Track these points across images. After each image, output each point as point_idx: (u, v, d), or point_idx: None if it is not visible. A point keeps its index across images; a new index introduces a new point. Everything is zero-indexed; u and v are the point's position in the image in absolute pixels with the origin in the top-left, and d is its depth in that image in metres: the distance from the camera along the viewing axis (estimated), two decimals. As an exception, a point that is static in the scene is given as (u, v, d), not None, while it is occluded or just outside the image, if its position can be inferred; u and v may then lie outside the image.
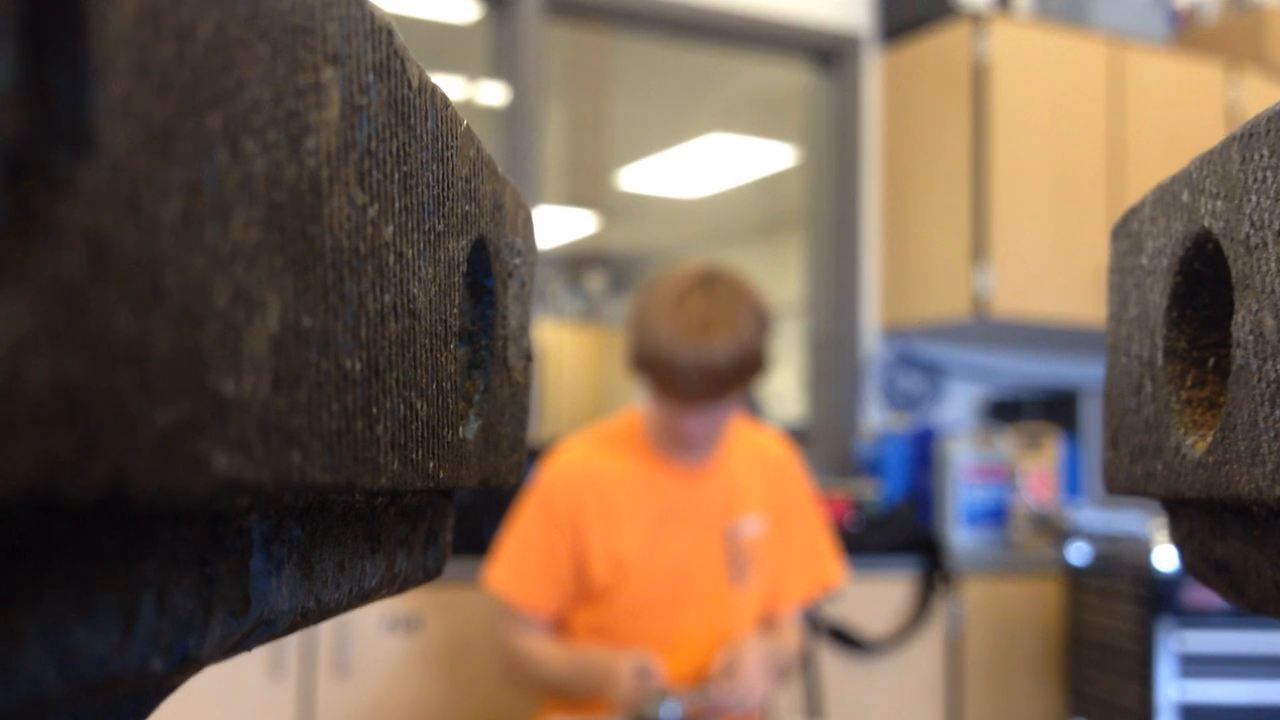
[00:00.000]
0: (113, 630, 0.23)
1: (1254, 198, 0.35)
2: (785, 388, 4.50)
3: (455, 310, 0.38)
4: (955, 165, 3.55)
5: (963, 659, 3.00)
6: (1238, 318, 0.35)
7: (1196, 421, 0.40)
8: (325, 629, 2.42)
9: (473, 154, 0.39)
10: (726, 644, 1.93)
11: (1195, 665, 2.63)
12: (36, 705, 0.21)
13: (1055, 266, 3.54)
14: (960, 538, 3.33)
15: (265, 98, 0.25)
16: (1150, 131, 3.68)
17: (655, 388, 1.88)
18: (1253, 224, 0.35)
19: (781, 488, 2.07)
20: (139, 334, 0.21)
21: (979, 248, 3.46)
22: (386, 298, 0.32)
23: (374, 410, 0.31)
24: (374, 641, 2.46)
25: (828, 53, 3.82)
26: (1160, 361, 0.42)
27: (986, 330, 3.69)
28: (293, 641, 2.39)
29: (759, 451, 2.08)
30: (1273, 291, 0.34)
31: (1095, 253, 3.59)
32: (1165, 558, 2.70)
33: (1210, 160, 0.38)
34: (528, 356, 0.47)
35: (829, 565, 2.12)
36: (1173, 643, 2.63)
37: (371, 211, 0.30)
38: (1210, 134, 3.76)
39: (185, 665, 0.26)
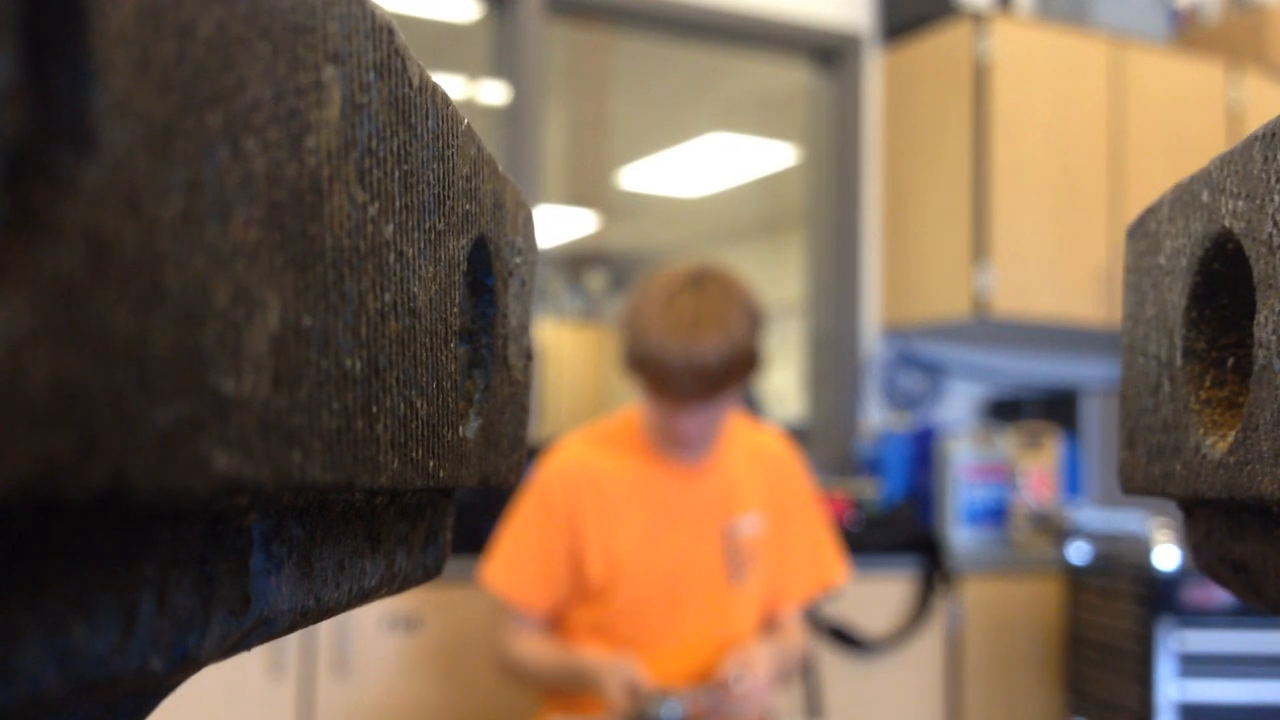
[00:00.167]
0: (112, 630, 0.23)
1: (1276, 198, 0.35)
2: (785, 387, 4.50)
3: (455, 309, 0.38)
4: (956, 165, 3.55)
5: (963, 658, 3.00)
6: (1260, 318, 0.35)
7: (1216, 422, 0.40)
8: (325, 628, 2.42)
9: (473, 153, 0.39)
10: (735, 649, 1.92)
11: (1195, 665, 2.63)
12: (36, 705, 0.21)
13: (1056, 266, 3.54)
14: (960, 537, 3.33)
15: (266, 96, 0.25)
16: (1151, 131, 3.68)
17: (648, 388, 1.88)
18: (1275, 224, 0.35)
19: (781, 486, 2.07)
20: (139, 333, 0.21)
21: (979, 247, 3.46)
22: (387, 296, 0.31)
23: (374, 409, 0.31)
24: (373, 640, 2.46)
25: (828, 52, 3.82)
26: (1179, 361, 0.42)
27: (987, 330, 3.69)
28: (292, 640, 2.40)
29: (758, 449, 2.08)
30: None
31: (1096, 252, 3.59)
32: (1165, 557, 2.70)
33: (1231, 160, 0.38)
34: (528, 355, 0.46)
35: (831, 563, 2.12)
36: (1172, 642, 2.63)
37: (372, 210, 0.30)
38: (1211, 133, 3.76)
39: (185, 664, 0.26)
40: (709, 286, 1.86)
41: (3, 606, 0.20)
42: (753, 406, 3.05)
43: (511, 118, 3.40)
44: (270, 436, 0.25)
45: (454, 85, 4.14)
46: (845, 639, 2.85)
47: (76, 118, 0.19)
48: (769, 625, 2.08)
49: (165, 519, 0.25)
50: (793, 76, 4.04)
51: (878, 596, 2.91)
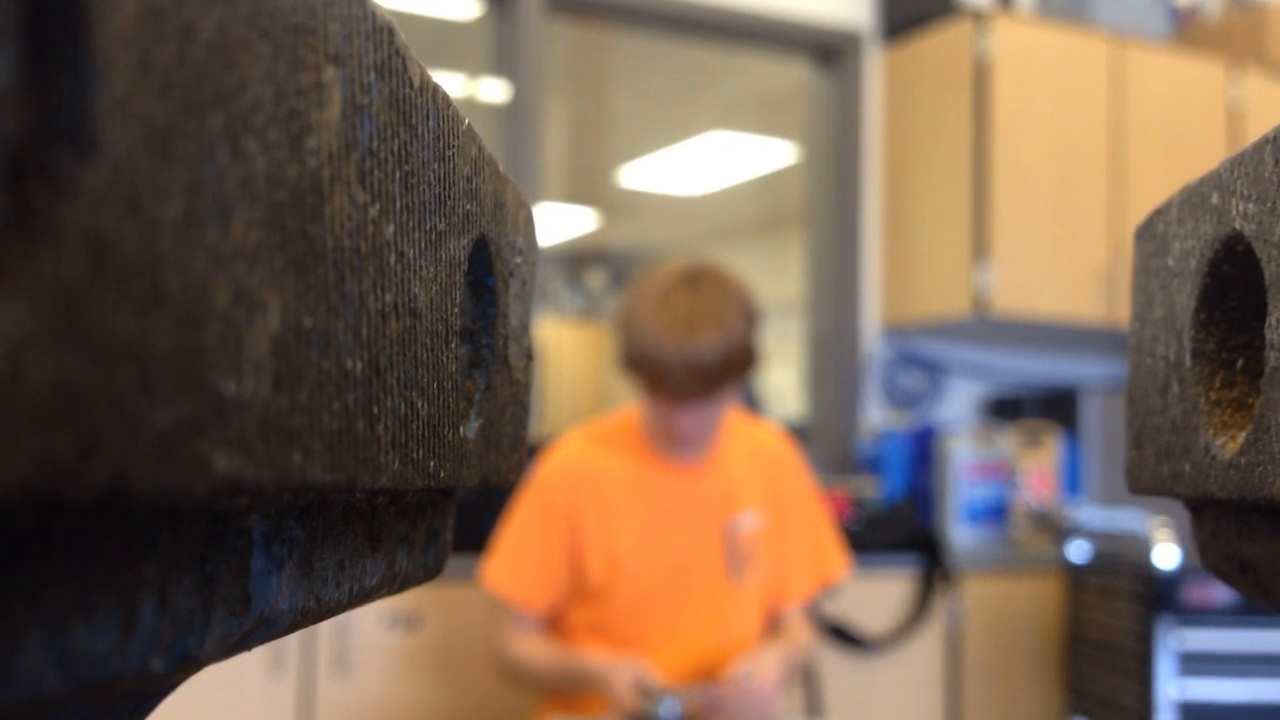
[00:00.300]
0: (113, 630, 0.23)
1: None
2: (786, 385, 4.50)
3: (456, 309, 0.38)
4: (956, 163, 3.55)
5: (962, 657, 3.00)
6: (1271, 320, 0.35)
7: (1226, 422, 0.40)
8: (325, 627, 2.43)
9: (474, 152, 0.39)
10: (746, 653, 1.92)
11: (1195, 663, 2.63)
12: (37, 705, 0.21)
13: (1056, 265, 3.54)
14: (960, 536, 3.33)
15: (266, 97, 0.25)
16: (1151, 130, 3.68)
17: (644, 386, 1.88)
18: None
19: (780, 482, 2.07)
20: (139, 334, 0.21)
21: (980, 246, 3.46)
22: (388, 297, 0.31)
23: (375, 409, 0.31)
24: (374, 639, 2.46)
25: (829, 50, 3.82)
26: (1188, 363, 0.42)
27: (987, 328, 3.69)
28: (293, 640, 2.40)
29: (757, 446, 2.07)
30: None
31: (1096, 251, 3.59)
32: (1165, 556, 2.70)
33: (1241, 163, 0.38)
34: (528, 355, 0.46)
35: (832, 559, 2.11)
36: (1172, 641, 2.63)
37: (373, 211, 0.30)
38: (1211, 133, 3.76)
39: (185, 664, 0.26)
40: (704, 284, 1.85)
41: (4, 607, 0.20)
42: (752, 404, 3.05)
43: (512, 116, 3.40)
44: (271, 437, 0.25)
45: (454, 83, 4.14)
46: (845, 637, 2.85)
47: (77, 119, 0.19)
48: (773, 623, 2.07)
49: (166, 520, 0.25)
50: (793, 75, 4.04)
51: (877, 595, 2.91)
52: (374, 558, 0.37)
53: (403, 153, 0.32)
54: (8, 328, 0.18)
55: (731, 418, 2.06)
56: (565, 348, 5.71)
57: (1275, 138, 0.36)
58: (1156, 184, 3.65)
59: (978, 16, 3.51)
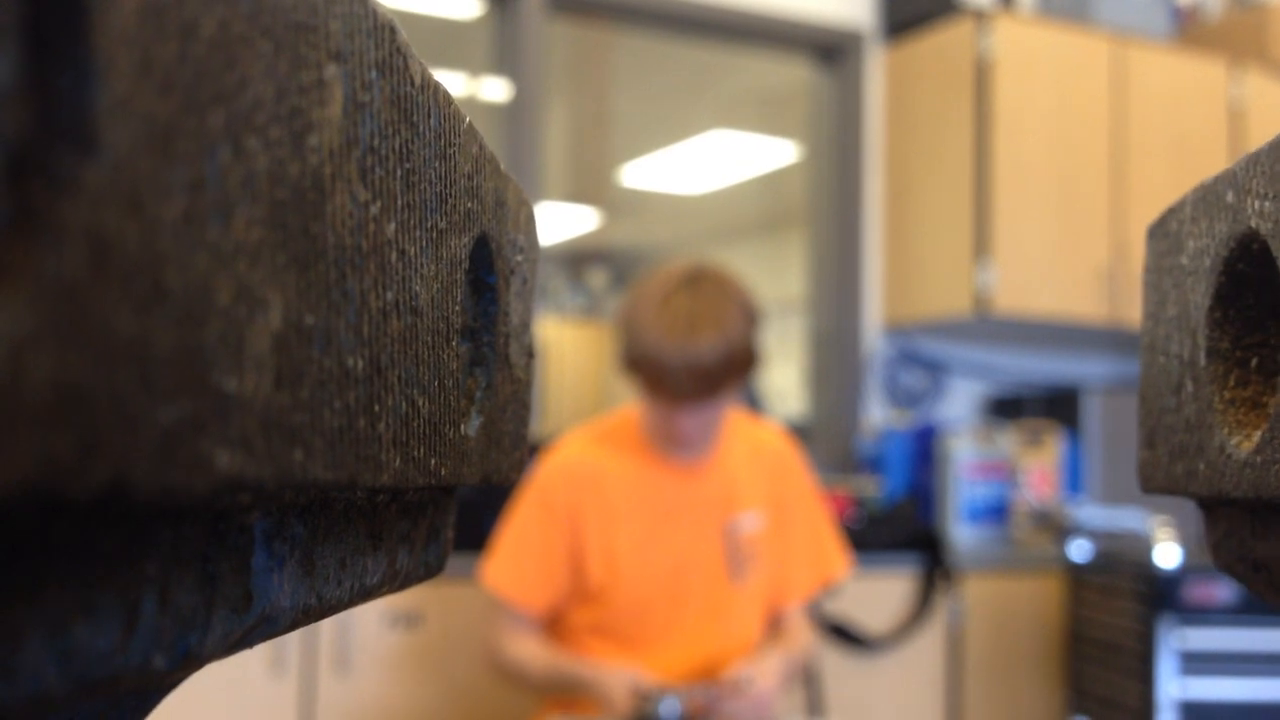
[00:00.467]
0: (114, 628, 0.23)
1: None
2: (787, 384, 4.50)
3: (457, 307, 0.38)
4: (957, 162, 3.54)
5: (963, 656, 3.00)
6: None
7: (1240, 421, 0.40)
8: (326, 625, 2.43)
9: (475, 151, 0.39)
10: (747, 656, 1.92)
11: (1196, 662, 2.63)
12: (38, 703, 0.21)
13: (1057, 264, 3.54)
14: (961, 534, 3.33)
15: (268, 95, 0.25)
16: (1153, 129, 3.68)
17: (645, 388, 1.88)
18: None
19: (781, 481, 2.06)
20: (141, 333, 0.21)
21: (981, 245, 3.46)
22: (389, 295, 0.32)
23: (376, 407, 0.31)
24: (375, 637, 2.46)
25: (830, 49, 3.82)
26: (1202, 361, 0.42)
27: (988, 327, 3.69)
28: (294, 638, 2.40)
29: (758, 445, 2.07)
30: None
31: (1097, 250, 3.59)
32: (1166, 555, 2.70)
33: (1258, 161, 0.38)
34: (530, 353, 0.46)
35: (833, 558, 2.11)
36: (1174, 640, 2.63)
37: (374, 209, 0.30)
38: (1213, 132, 3.76)
39: (187, 662, 0.26)
40: (704, 285, 1.85)
41: (5, 606, 0.21)
42: (754, 404, 3.05)
43: (513, 115, 3.40)
44: (272, 435, 0.25)
45: (455, 82, 4.14)
46: (846, 636, 2.85)
47: (78, 118, 0.19)
48: (774, 623, 2.07)
49: (167, 518, 0.25)
50: (794, 74, 4.04)
51: (879, 594, 2.91)
52: (375, 556, 0.37)
53: (404, 151, 0.32)
54: (9, 326, 0.18)
55: (732, 417, 2.06)
56: (566, 346, 5.71)
57: None
58: (1158, 183, 3.65)
59: (979, 16, 3.51)
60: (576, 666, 1.87)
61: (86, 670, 0.22)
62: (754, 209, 6.24)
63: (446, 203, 0.36)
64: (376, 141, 0.30)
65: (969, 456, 3.37)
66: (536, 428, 3.41)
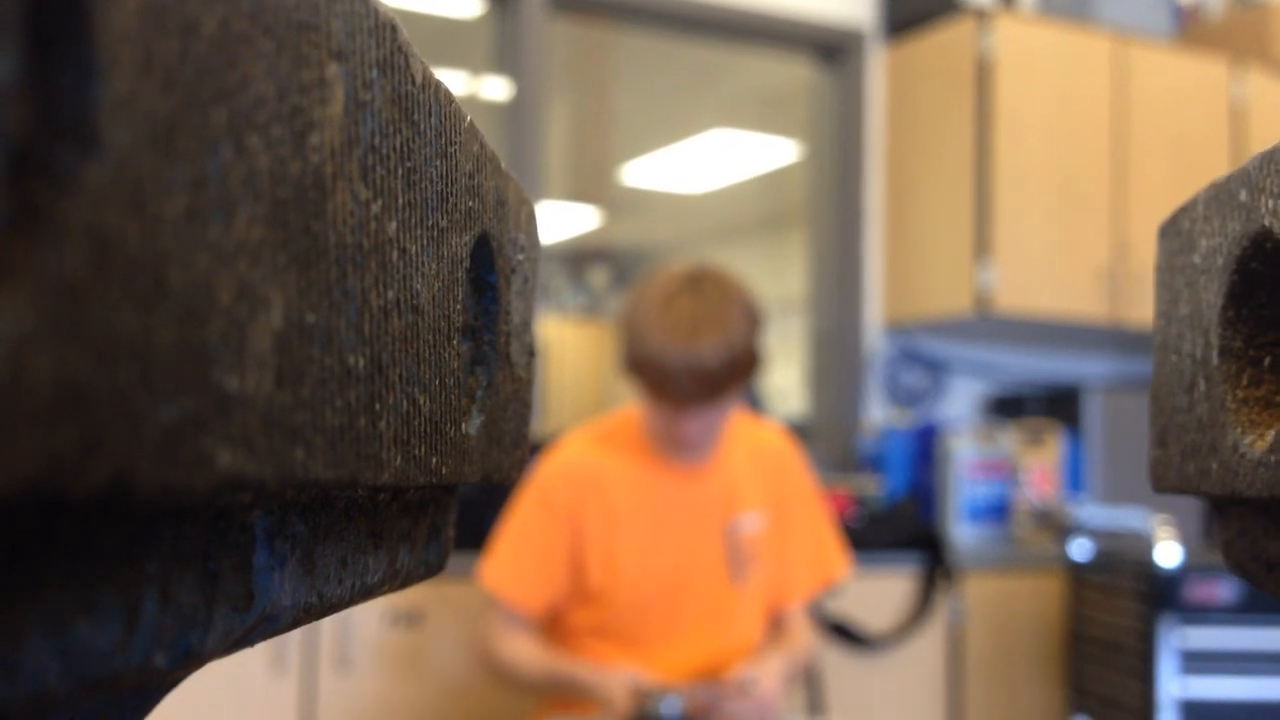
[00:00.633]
0: (115, 626, 0.23)
1: None
2: (788, 383, 4.50)
3: (458, 306, 0.38)
4: (958, 161, 3.54)
5: (964, 655, 3.00)
6: None
7: (1254, 420, 0.40)
8: (327, 624, 2.43)
9: (476, 149, 0.39)
10: (749, 657, 1.92)
11: (1197, 661, 2.63)
12: (40, 701, 0.21)
13: (1058, 263, 3.54)
14: (962, 534, 3.33)
15: (269, 94, 0.25)
16: (1154, 128, 3.68)
17: (648, 391, 1.87)
18: None
19: (782, 481, 2.06)
20: (142, 331, 0.21)
21: (982, 244, 3.46)
22: (390, 294, 0.32)
23: (377, 406, 0.31)
24: (376, 636, 2.46)
25: (831, 48, 3.82)
26: (1215, 360, 0.41)
27: (989, 326, 3.69)
28: (295, 637, 2.40)
29: (758, 445, 2.07)
30: None
31: (1098, 249, 3.58)
32: (1167, 554, 2.70)
33: (1272, 160, 0.38)
34: (530, 352, 0.46)
35: (833, 558, 2.11)
36: (1174, 639, 2.63)
37: (375, 207, 0.30)
38: (1214, 131, 3.76)
39: (188, 661, 0.26)
40: (706, 287, 1.84)
41: (6, 604, 0.21)
42: (754, 403, 3.05)
43: (514, 114, 3.40)
44: (273, 433, 0.25)
45: (456, 81, 4.14)
46: (847, 635, 2.85)
47: (80, 116, 0.19)
48: (775, 624, 2.07)
49: (168, 516, 0.25)
50: (795, 73, 4.04)
51: (879, 593, 2.91)
52: (376, 554, 0.37)
53: (405, 149, 0.32)
54: (10, 325, 0.18)
55: (733, 417, 2.05)
56: (568, 346, 5.71)
57: None
58: (1159, 182, 3.65)
59: (980, 15, 3.51)
60: (575, 668, 1.87)
61: (87, 668, 0.22)
62: (755, 208, 6.24)
63: (448, 201, 0.36)
64: (378, 140, 0.30)
65: (970, 455, 3.37)
66: (538, 427, 3.41)
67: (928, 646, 2.95)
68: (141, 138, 0.21)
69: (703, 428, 1.90)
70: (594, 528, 1.95)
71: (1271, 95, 3.84)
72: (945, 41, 3.61)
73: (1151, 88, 3.69)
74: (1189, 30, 4.12)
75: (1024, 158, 3.50)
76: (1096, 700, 2.86)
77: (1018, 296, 3.47)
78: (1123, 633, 2.76)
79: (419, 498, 0.40)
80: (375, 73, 0.30)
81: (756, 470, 2.04)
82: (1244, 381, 0.41)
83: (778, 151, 5.27)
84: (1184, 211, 0.45)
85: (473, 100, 4.03)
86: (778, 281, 5.06)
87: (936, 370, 3.88)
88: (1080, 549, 2.97)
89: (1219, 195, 0.42)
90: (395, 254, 0.32)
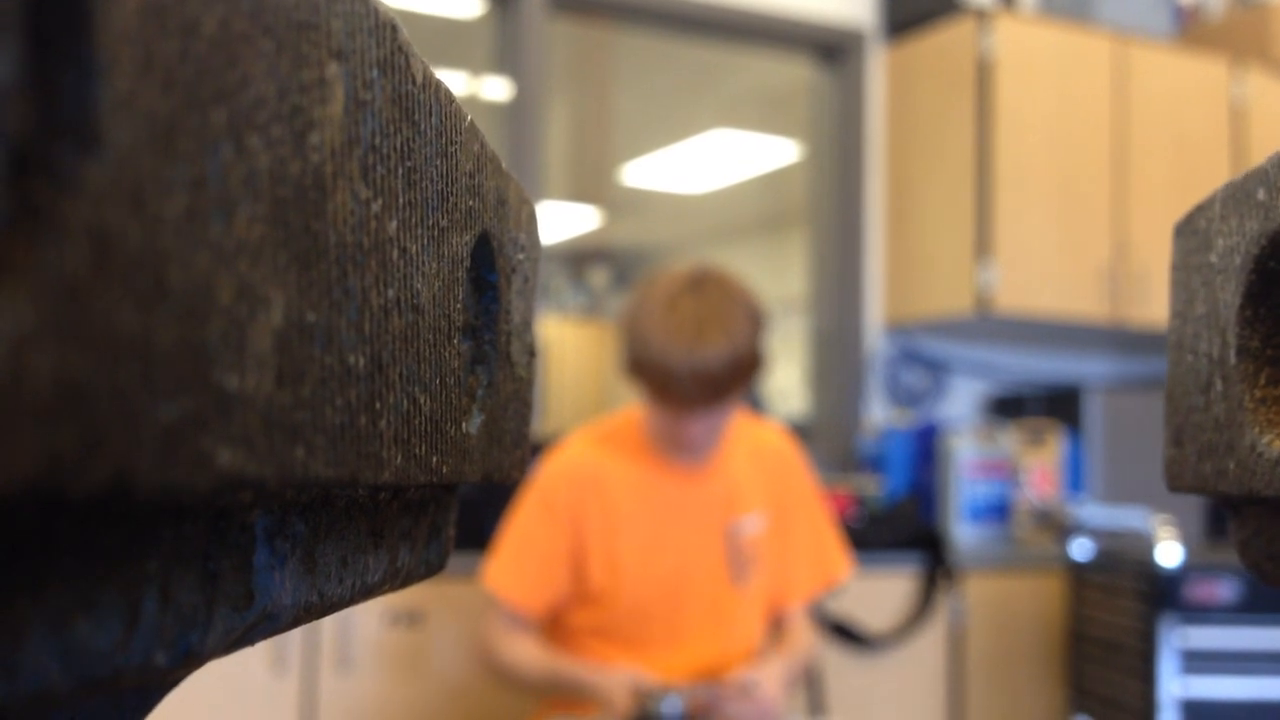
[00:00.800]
0: (116, 625, 0.23)
1: None
2: (788, 383, 4.50)
3: (459, 305, 0.38)
4: (959, 161, 3.54)
5: (965, 655, 3.00)
6: None
7: (1272, 420, 0.40)
8: (328, 623, 2.43)
9: (476, 149, 0.39)
10: (750, 660, 1.92)
11: (1198, 661, 2.63)
12: (40, 701, 0.22)
13: (1059, 263, 3.54)
14: (963, 533, 3.33)
15: (269, 93, 0.25)
16: (1154, 128, 3.68)
17: (651, 393, 1.86)
18: None
19: (783, 482, 2.06)
20: (143, 330, 0.21)
21: (982, 244, 3.46)
22: (390, 293, 0.32)
23: (377, 405, 0.31)
24: (376, 636, 2.46)
25: (832, 49, 3.82)
26: (1232, 360, 0.41)
27: (989, 326, 3.69)
28: (295, 636, 2.40)
29: (759, 446, 2.07)
30: None
31: (1099, 249, 3.58)
32: (1168, 554, 2.70)
33: None
34: (531, 352, 0.46)
35: (835, 559, 2.11)
36: (1175, 639, 2.63)
37: (375, 207, 0.30)
38: (1215, 131, 3.76)
39: (188, 660, 0.26)
40: (709, 289, 1.84)
41: (7, 603, 0.21)
42: (755, 403, 3.05)
43: (514, 114, 3.40)
44: (274, 433, 0.25)
45: (457, 82, 4.14)
46: (848, 635, 2.85)
47: (80, 115, 0.19)
48: (776, 625, 2.07)
49: (169, 515, 0.25)
50: (796, 73, 4.04)
51: (880, 593, 2.91)
52: (376, 554, 0.37)
53: (405, 149, 0.32)
54: (11, 324, 0.18)
55: (735, 419, 2.05)
56: (568, 346, 5.71)
57: None
58: (1159, 182, 3.65)
59: (980, 15, 3.51)
60: (576, 668, 1.87)
61: (88, 668, 0.22)
62: (755, 208, 6.24)
63: (448, 201, 0.36)
64: (378, 140, 0.30)
65: (970, 455, 3.37)
66: (538, 427, 3.41)
67: (928, 647, 2.95)
68: (142, 137, 0.21)
69: (705, 429, 1.90)
70: (595, 528, 1.94)
71: (1272, 95, 3.84)
72: (945, 42, 3.61)
73: (1152, 88, 3.68)
74: (1189, 30, 4.12)
75: (1024, 158, 3.50)
76: (1097, 700, 2.86)
77: (1018, 296, 3.47)
78: (1123, 633, 2.76)
79: (419, 497, 0.40)
80: (375, 72, 0.30)
81: (758, 471, 2.04)
82: (1262, 381, 0.40)
83: (778, 152, 5.27)
84: (1200, 211, 0.45)
85: (473, 100, 4.03)
86: (778, 282, 5.06)
87: (937, 370, 3.88)
88: (1081, 549, 2.97)
89: (1236, 194, 0.42)
90: (396, 253, 0.32)
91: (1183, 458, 0.46)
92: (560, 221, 5.87)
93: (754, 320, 1.85)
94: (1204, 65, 3.78)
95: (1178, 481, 0.46)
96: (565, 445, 2.04)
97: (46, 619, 0.21)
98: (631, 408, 2.06)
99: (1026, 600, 3.06)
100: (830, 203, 3.83)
